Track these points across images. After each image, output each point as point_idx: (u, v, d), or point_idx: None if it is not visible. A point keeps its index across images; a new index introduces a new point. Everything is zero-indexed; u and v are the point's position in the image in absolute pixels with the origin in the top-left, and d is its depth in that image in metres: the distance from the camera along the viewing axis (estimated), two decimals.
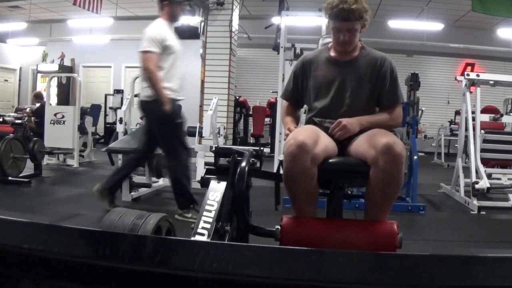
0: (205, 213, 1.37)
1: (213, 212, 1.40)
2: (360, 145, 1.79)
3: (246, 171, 1.58)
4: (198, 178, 4.34)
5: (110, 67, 11.29)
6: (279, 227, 1.13)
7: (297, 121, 2.18)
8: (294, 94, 2.17)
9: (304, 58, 2.16)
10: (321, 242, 1.35)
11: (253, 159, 1.71)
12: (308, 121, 2.08)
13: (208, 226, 1.31)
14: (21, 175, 4.93)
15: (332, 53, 2.09)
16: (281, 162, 1.84)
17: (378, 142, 1.66)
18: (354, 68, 2.02)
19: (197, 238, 1.20)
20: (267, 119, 9.22)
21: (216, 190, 1.53)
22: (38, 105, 7.48)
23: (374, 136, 1.74)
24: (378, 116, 2.02)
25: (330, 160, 1.78)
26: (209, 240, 1.18)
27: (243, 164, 1.62)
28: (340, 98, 2.00)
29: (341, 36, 1.95)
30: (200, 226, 1.30)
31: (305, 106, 2.25)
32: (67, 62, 11.41)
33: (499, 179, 4.52)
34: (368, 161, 1.70)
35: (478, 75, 4.66)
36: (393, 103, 2.05)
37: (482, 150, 4.46)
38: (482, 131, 4.49)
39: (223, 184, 1.60)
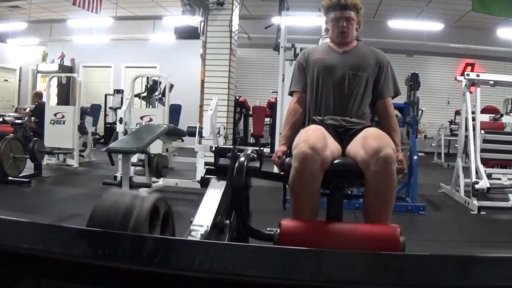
0: (204, 207, 1.37)
1: (213, 207, 1.39)
2: (354, 148, 1.81)
3: (246, 165, 1.56)
4: (198, 178, 4.34)
5: (110, 67, 11.29)
6: (277, 231, 1.07)
7: (299, 127, 2.13)
8: (304, 80, 2.16)
9: (305, 50, 2.27)
10: (321, 246, 1.29)
11: (254, 154, 1.70)
12: (309, 121, 2.08)
13: (207, 220, 1.31)
14: (21, 175, 4.93)
15: (331, 45, 2.19)
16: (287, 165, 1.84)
17: (368, 146, 1.71)
18: (351, 57, 2.10)
19: (195, 228, 1.18)
20: (267, 119, 9.22)
21: (216, 187, 1.53)
22: (36, 104, 7.50)
23: (366, 140, 1.77)
24: (395, 132, 2.04)
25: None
26: (207, 230, 1.17)
27: (242, 158, 1.61)
28: (340, 87, 2.03)
29: (340, 24, 2.08)
30: (198, 219, 1.30)
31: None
32: (67, 62, 11.41)
33: (499, 179, 4.52)
34: (360, 164, 1.72)
35: (478, 75, 4.66)
36: (387, 95, 2.10)
37: (482, 150, 4.46)
38: (482, 131, 4.49)
39: (223, 182, 1.60)
